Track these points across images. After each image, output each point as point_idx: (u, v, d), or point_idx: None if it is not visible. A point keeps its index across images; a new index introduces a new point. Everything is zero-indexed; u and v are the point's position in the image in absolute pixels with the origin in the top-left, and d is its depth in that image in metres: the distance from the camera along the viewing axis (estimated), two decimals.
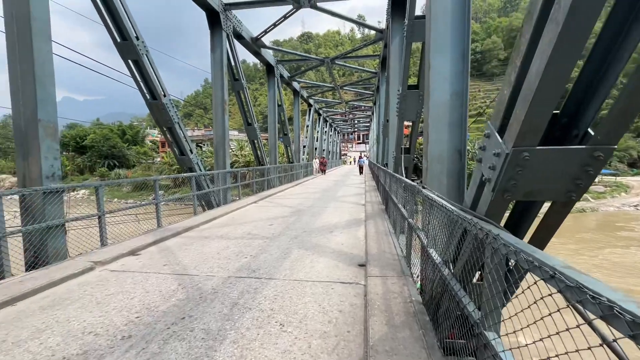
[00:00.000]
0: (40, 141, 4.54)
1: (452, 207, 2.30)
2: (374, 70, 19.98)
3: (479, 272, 2.16)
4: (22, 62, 4.40)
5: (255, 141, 13.64)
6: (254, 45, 13.29)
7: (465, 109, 3.40)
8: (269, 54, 15.32)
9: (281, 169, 17.59)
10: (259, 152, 14.10)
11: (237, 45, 11.91)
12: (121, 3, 6.34)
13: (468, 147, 5.17)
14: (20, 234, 4.46)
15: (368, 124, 47.90)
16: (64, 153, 51.43)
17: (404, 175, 6.29)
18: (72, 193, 43.52)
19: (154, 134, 70.46)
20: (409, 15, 6.25)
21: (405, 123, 7.67)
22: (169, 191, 39.45)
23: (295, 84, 20.78)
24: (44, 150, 4.62)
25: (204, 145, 57.07)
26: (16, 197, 4.65)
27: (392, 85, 8.40)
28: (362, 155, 33.42)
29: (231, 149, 53.11)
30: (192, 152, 8.25)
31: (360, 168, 25.41)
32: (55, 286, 3.90)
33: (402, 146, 7.50)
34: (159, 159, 53.30)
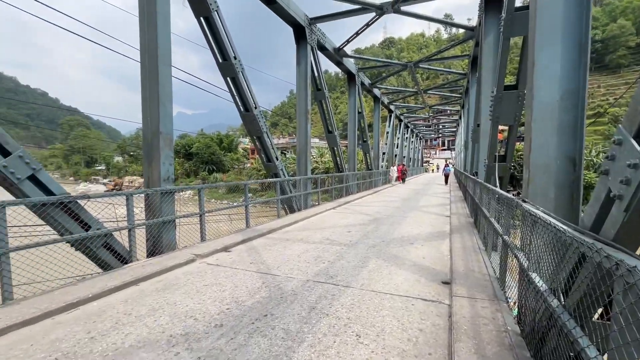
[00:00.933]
0: (160, 150, 5.47)
1: (564, 227, 1.94)
2: (462, 72, 18.54)
3: (603, 309, 1.77)
4: (151, 84, 5.38)
5: (335, 148, 13.95)
6: (336, 55, 13.67)
7: (581, 110, 2.86)
8: (350, 63, 15.57)
9: (359, 175, 17.57)
10: (338, 159, 14.36)
11: (320, 56, 12.42)
12: (224, 29, 7.26)
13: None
14: (144, 226, 5.40)
15: (454, 129, 44.52)
16: (176, 159, 60.86)
17: (498, 185, 5.60)
18: (180, 193, 51.09)
19: (245, 142, 78.33)
20: (507, 8, 5.61)
21: (500, 127, 6.87)
22: (257, 194, 43.11)
23: (376, 91, 20.63)
24: (163, 157, 5.54)
25: (287, 152, 61.05)
26: (142, 195, 5.67)
27: (485, 86, 7.64)
28: (448, 162, 30.04)
29: (312, 155, 55.66)
30: (277, 159, 8.87)
31: (446, 177, 23.04)
32: (166, 272, 4.60)
33: (496, 153, 6.71)
34: (248, 165, 58.91)
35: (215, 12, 7.07)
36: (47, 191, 4.33)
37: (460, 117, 27.30)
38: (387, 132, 24.70)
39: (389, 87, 23.41)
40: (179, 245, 5.96)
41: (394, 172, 23.02)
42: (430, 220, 8.90)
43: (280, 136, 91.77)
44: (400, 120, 30.04)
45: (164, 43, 5.46)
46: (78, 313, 3.37)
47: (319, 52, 12.03)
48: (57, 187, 4.46)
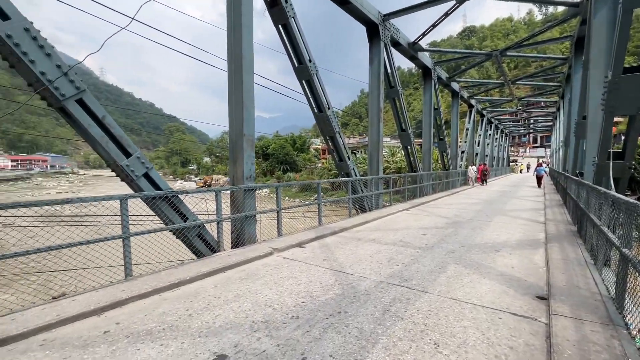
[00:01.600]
0: (244, 151, 5.98)
1: None
2: (561, 56, 15.98)
3: None
4: (236, 91, 5.93)
5: (409, 147, 13.40)
6: (411, 49, 13.12)
7: None
8: (425, 57, 14.77)
9: (435, 176, 16.57)
10: (411, 158, 13.77)
11: (393, 52, 12.06)
12: (300, 34, 7.59)
13: None
14: (230, 220, 5.96)
15: (549, 124, 38.78)
16: (255, 159, 65.69)
17: (613, 187, 4.67)
18: (258, 191, 55.15)
19: (317, 143, 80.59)
20: None
21: (615, 119, 5.72)
22: (327, 193, 44.01)
23: (455, 85, 19.16)
24: (246, 157, 6.04)
25: (357, 152, 60.92)
26: (228, 192, 6.27)
27: (595, 70, 6.43)
28: (541, 162, 25.59)
29: (383, 155, 54.21)
30: (349, 159, 8.92)
31: (539, 179, 19.32)
32: (248, 263, 5.00)
33: (610, 150, 5.61)
34: (320, 165, 60.55)
35: (292, 19, 7.43)
36: (156, 187, 5.10)
37: (558, 109, 23.68)
38: (467, 129, 22.74)
39: (469, 80, 21.53)
40: (258, 238, 6.43)
41: (473, 172, 20.97)
42: (520, 226, 7.91)
43: (351, 136, 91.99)
44: (483, 116, 27.34)
45: (247, 53, 5.95)
46: (179, 292, 3.90)
47: (392, 49, 11.70)
48: (163, 184, 5.22)
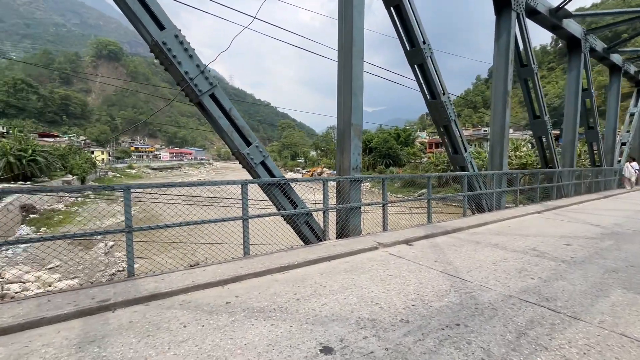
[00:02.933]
0: (351, 140, 5.88)
1: None
2: None
3: None
4: (345, 78, 5.84)
5: (544, 137, 11.02)
6: (553, 17, 10.65)
7: None
8: (572, 25, 11.77)
9: (579, 174, 13.29)
10: (547, 151, 11.32)
11: (528, 23, 10.01)
12: (414, 14, 6.98)
13: None
14: (335, 210, 5.98)
15: None
16: None
17: None
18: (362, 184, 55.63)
19: (423, 136, 75.67)
20: None
21: None
22: (433, 190, 40.89)
23: (616, 57, 14.80)
24: (353, 147, 5.93)
25: (471, 145, 54.57)
26: (333, 183, 6.30)
27: None
28: None
29: (507, 147, 46.71)
30: (465, 151, 7.85)
31: None
32: (353, 255, 4.89)
33: None
34: (425, 159, 56.78)
35: None
36: (271, 174, 5.47)
37: None
38: (631, 114, 17.36)
39: (637, 50, 16.35)
40: (362, 231, 6.28)
41: (632, 170, 15.71)
42: None
43: (463, 127, 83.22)
44: None
45: (358, 36, 5.77)
46: (288, 275, 4.06)
47: (526, 19, 9.73)
48: (277, 172, 5.56)
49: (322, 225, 5.69)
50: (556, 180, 11.27)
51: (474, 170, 7.96)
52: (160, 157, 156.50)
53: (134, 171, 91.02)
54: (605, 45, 13.78)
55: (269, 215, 5.15)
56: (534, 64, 10.08)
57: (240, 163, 5.39)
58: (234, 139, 5.02)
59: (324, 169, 73.27)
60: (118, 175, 75.41)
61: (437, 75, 7.39)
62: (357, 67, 5.75)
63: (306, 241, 5.70)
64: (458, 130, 7.84)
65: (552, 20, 10.69)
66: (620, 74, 15.46)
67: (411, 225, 7.13)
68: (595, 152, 14.69)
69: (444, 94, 7.48)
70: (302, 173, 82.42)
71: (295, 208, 5.48)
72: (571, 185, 12.26)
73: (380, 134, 64.10)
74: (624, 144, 16.90)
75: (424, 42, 7.15)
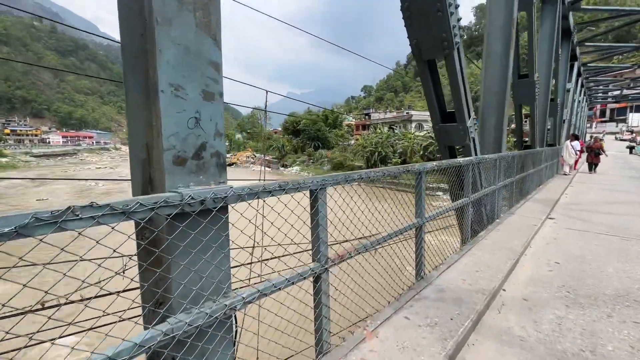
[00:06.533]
0: None
1: None
2: None
3: None
4: None
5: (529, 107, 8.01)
6: None
7: None
8: None
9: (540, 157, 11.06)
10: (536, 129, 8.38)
11: None
12: None
13: None
14: None
15: None
16: (285, 135, 61.77)
17: None
18: (289, 168, 51.58)
19: (349, 119, 74.30)
20: None
21: None
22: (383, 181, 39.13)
23: (572, 19, 12.83)
24: None
25: (396, 127, 54.44)
26: None
27: None
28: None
29: (426, 130, 47.21)
30: (469, 117, 4.06)
31: None
32: None
33: None
34: (353, 142, 55.02)
35: None
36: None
37: None
38: (569, 90, 16.36)
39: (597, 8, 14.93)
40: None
41: (570, 151, 13.73)
42: None
43: (387, 111, 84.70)
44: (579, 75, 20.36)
45: None
46: None
47: None
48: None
49: None
50: (537, 166, 8.53)
51: (477, 155, 4.27)
52: (49, 142, 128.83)
53: (4, 159, 71.48)
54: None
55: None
56: None
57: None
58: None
59: (253, 153, 66.96)
60: None
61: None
62: None
63: None
64: (461, 64, 3.93)
65: None
66: (571, 39, 13.74)
67: None
68: (549, 130, 12.80)
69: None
70: (228, 158, 74.43)
71: None
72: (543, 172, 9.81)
73: (309, 116, 60.41)
74: (564, 120, 15.75)
75: None
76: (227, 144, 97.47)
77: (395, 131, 48.90)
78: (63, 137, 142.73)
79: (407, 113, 64.44)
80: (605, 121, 65.99)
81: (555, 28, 9.39)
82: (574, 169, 14.32)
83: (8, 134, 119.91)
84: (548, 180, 10.67)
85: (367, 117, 72.97)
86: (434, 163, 2.96)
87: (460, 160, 3.54)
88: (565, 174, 12.97)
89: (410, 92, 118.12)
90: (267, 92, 4.08)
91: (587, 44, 16.98)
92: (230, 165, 63.30)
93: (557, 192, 8.13)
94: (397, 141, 40.88)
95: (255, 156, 64.32)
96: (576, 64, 17.32)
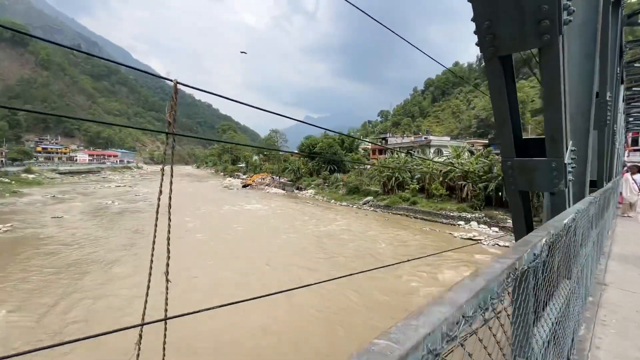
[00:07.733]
0: None
1: None
2: None
3: None
4: None
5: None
6: None
7: None
8: None
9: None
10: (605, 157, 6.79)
11: None
12: None
13: None
14: None
15: None
16: (300, 158, 60.98)
17: None
18: (303, 192, 50.12)
19: (365, 142, 72.90)
20: None
21: None
22: (376, 197, 37.41)
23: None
24: None
25: (414, 152, 52.68)
26: None
27: None
28: None
29: (446, 156, 45.26)
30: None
31: None
32: None
33: None
34: (369, 166, 53.51)
35: None
36: None
37: None
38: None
39: None
40: None
41: (631, 187, 11.04)
42: None
43: (404, 135, 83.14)
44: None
45: None
46: None
47: None
48: None
49: None
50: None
51: (569, 205, 2.71)
52: (76, 160, 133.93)
53: (32, 176, 73.97)
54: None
55: None
56: None
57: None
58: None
59: (270, 176, 66.11)
60: (7, 180, 59.90)
61: None
62: None
63: None
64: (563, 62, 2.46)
65: None
66: (621, 60, 12.11)
67: None
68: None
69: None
70: (243, 179, 74.09)
71: None
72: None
73: (325, 139, 59.78)
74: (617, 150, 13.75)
75: None
76: (242, 165, 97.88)
77: (413, 156, 47.18)
78: (90, 155, 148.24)
79: (425, 138, 62.82)
80: (638, 150, 61.78)
81: (617, 39, 7.85)
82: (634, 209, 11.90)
83: (39, 152, 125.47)
84: (612, 225, 8.74)
85: (384, 141, 71.48)
86: (539, 238, 1.43)
87: (566, 220, 1.99)
88: (629, 216, 10.76)
89: (428, 117, 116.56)
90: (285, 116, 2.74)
91: (636, 65, 15.19)
92: (245, 187, 62.69)
93: (639, 243, 6.27)
94: (415, 167, 39.12)
95: (273, 179, 63.59)
96: (622, 87, 15.50)
